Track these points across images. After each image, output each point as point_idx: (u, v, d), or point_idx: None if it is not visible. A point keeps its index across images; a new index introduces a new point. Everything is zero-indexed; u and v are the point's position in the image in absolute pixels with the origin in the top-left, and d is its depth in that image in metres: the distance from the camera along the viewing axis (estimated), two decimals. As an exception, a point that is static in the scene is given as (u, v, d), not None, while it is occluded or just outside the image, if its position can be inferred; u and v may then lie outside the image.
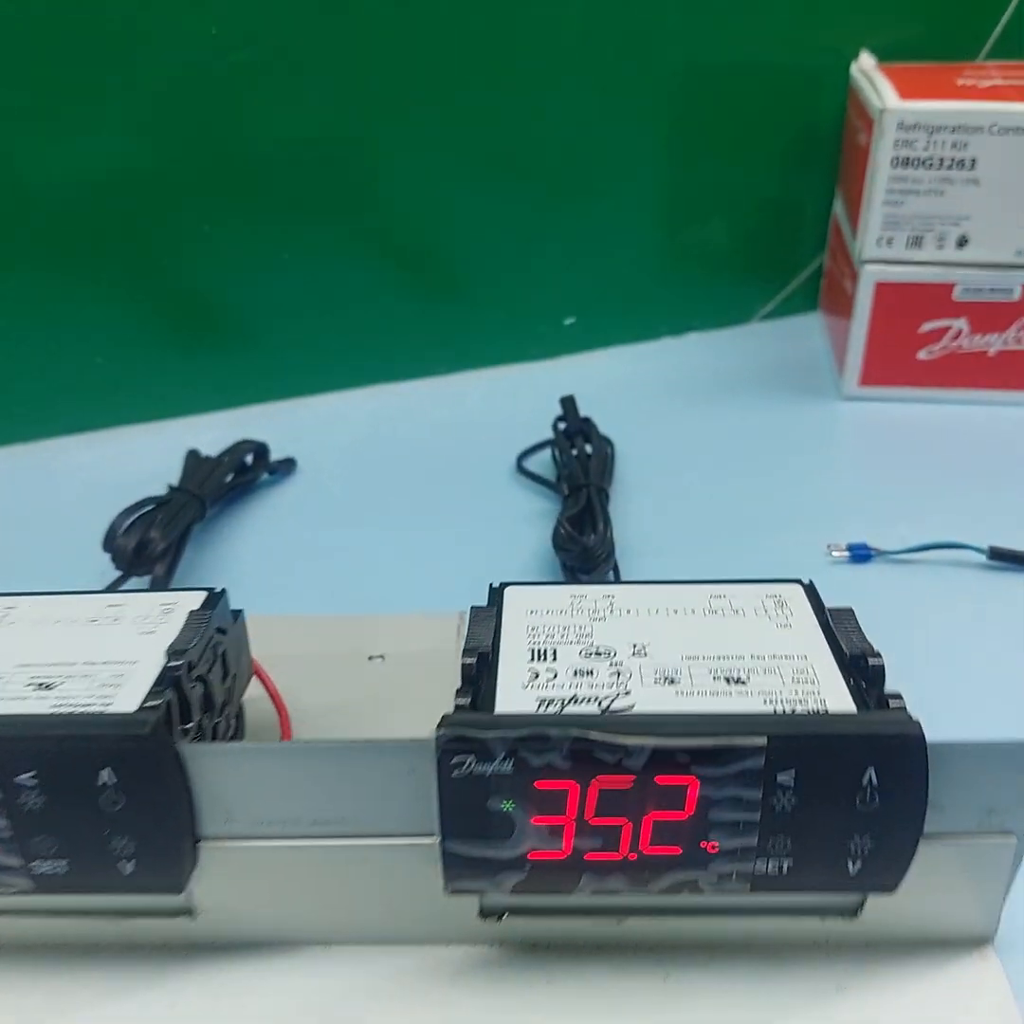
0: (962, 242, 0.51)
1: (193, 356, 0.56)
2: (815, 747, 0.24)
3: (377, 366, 0.60)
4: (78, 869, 0.26)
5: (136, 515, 0.41)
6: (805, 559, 0.44)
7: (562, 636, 0.28)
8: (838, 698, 0.25)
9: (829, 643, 0.28)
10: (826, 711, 0.25)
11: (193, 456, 0.49)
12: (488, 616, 0.29)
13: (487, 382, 0.61)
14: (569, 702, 0.26)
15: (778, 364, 0.62)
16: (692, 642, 0.28)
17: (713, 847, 0.25)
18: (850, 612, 0.29)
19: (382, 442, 0.55)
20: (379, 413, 0.58)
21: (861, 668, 0.26)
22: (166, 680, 0.26)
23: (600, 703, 0.26)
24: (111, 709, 0.25)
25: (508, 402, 0.59)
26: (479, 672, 0.27)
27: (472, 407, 0.58)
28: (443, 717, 0.24)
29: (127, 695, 0.26)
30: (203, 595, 0.31)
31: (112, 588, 0.40)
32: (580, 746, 0.24)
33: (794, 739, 0.24)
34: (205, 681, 0.28)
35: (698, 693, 0.26)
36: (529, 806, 0.25)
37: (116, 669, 0.27)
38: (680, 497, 0.49)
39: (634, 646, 0.28)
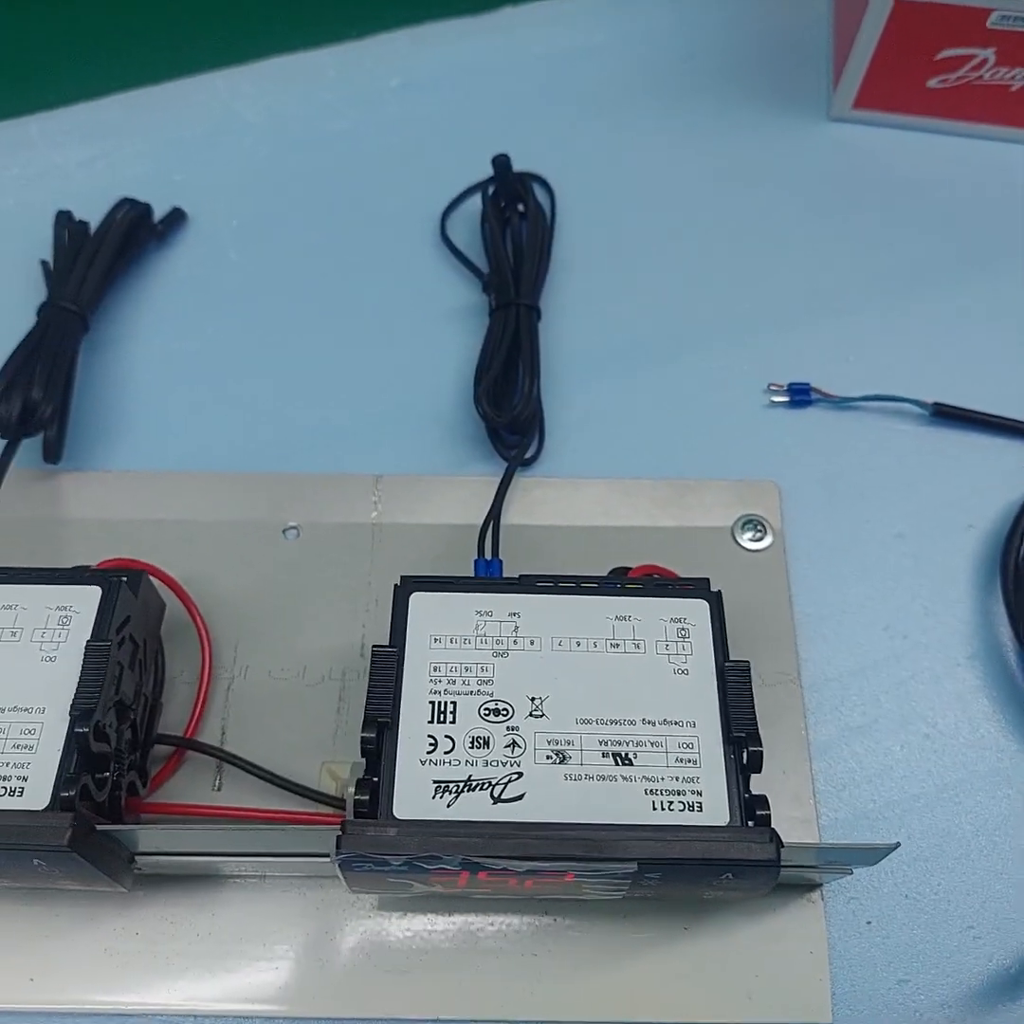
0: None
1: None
2: (680, 866, 0.26)
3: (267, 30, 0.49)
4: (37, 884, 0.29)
5: (10, 374, 0.37)
6: (744, 395, 0.41)
7: (463, 683, 0.29)
8: (714, 796, 0.27)
9: (720, 705, 0.29)
10: (696, 823, 0.27)
11: (61, 239, 0.42)
12: (389, 664, 0.29)
13: (405, 48, 0.50)
14: (463, 789, 0.27)
15: (769, 37, 0.51)
16: (589, 698, 0.29)
17: (587, 888, 0.29)
18: (746, 668, 0.29)
19: (281, 167, 0.47)
20: (275, 108, 0.49)
21: (742, 746, 0.28)
22: (73, 757, 0.27)
23: (493, 790, 0.27)
24: (25, 798, 0.27)
25: (434, 92, 0.49)
26: (379, 745, 0.28)
27: (387, 102, 0.49)
28: (342, 828, 0.26)
29: (40, 773, 0.27)
30: (98, 593, 0.30)
31: (2, 457, 0.37)
32: (468, 861, 0.26)
33: (662, 862, 0.26)
34: (119, 709, 0.29)
35: (585, 776, 0.28)
36: (424, 879, 0.28)
37: (26, 722, 0.28)
38: (618, 274, 0.45)
39: (532, 702, 0.29)
